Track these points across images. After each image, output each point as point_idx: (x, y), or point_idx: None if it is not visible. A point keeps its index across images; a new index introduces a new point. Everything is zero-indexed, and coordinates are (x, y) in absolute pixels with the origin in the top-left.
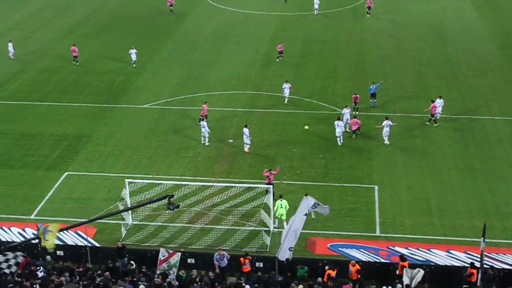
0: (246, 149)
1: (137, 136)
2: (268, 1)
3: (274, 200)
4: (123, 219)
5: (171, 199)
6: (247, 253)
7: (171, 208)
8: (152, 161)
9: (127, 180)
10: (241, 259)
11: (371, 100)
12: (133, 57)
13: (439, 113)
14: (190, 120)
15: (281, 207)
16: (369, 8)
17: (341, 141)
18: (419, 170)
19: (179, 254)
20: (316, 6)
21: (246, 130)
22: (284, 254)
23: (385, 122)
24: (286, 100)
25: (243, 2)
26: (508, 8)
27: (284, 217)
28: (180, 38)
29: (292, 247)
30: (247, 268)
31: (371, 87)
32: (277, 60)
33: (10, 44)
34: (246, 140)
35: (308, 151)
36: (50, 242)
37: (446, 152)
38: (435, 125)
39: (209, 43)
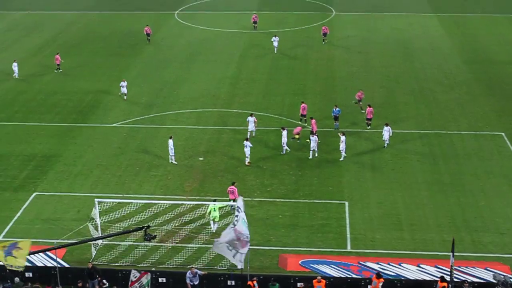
0: (173, 161)
1: (107, 155)
2: (237, 19)
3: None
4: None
5: (147, 230)
6: (253, 276)
7: (148, 239)
8: (122, 180)
9: (96, 200)
10: (249, 282)
11: (335, 123)
12: (123, 90)
13: (385, 140)
14: (159, 139)
15: (215, 211)
16: (324, 34)
17: (313, 156)
18: (389, 185)
19: (149, 274)
20: (275, 44)
21: (170, 142)
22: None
23: (342, 138)
24: (253, 133)
25: (212, 20)
26: (473, 25)
27: (217, 219)
28: (150, 56)
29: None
30: None
31: (334, 109)
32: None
33: None
34: (171, 151)
35: (278, 168)
36: (19, 260)
37: (415, 167)
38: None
39: (178, 61)
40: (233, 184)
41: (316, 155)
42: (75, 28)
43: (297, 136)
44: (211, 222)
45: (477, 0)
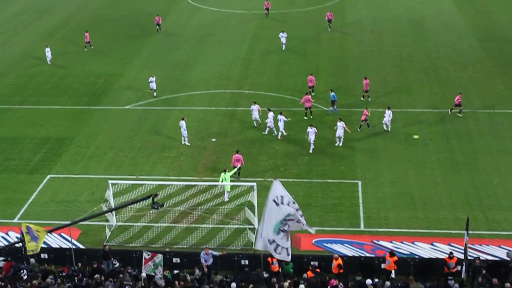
0: (186, 142)
1: (120, 137)
2: (248, 0)
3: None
4: (107, 221)
5: (155, 198)
6: (266, 256)
7: (155, 207)
8: (136, 161)
9: (110, 182)
10: (269, 258)
11: (330, 108)
12: (152, 85)
13: (387, 123)
14: (172, 120)
15: (225, 179)
16: (329, 21)
17: (340, 143)
18: (402, 165)
19: (160, 255)
20: (283, 40)
21: (183, 123)
22: (260, 244)
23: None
24: (259, 121)
25: (223, 2)
26: (487, 2)
27: (228, 189)
28: (161, 38)
29: (271, 242)
30: (275, 267)
31: (331, 94)
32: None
33: None
34: (184, 132)
35: (291, 148)
36: (36, 245)
37: (428, 145)
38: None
39: (190, 43)
40: (237, 152)
41: (313, 147)
42: (86, 11)
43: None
44: (226, 192)
45: None
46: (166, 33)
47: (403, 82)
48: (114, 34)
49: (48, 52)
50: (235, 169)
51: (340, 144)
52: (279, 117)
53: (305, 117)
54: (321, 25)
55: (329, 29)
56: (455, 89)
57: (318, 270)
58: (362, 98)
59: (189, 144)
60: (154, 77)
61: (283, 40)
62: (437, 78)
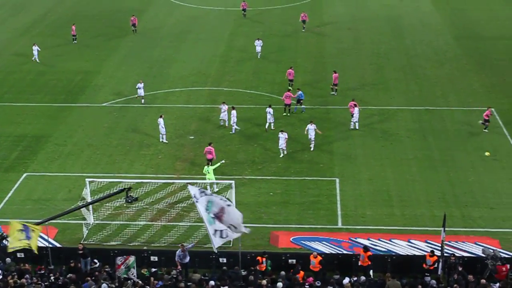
0: (164, 140)
1: (97, 135)
2: None
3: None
4: (84, 219)
5: (129, 192)
6: (265, 251)
7: (129, 200)
8: (113, 159)
9: (87, 180)
10: (258, 258)
11: (301, 107)
12: (140, 92)
13: (355, 121)
14: (150, 118)
15: (209, 173)
16: (304, 22)
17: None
18: (380, 162)
19: (133, 256)
20: (258, 49)
21: (161, 121)
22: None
23: (309, 126)
24: (226, 123)
25: None
26: (463, 1)
27: (211, 179)
28: (138, 35)
29: (213, 231)
30: (263, 266)
31: (298, 93)
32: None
33: None
34: (162, 130)
35: (269, 146)
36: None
37: (405, 143)
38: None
39: (168, 40)
40: (209, 144)
41: (285, 152)
42: (63, 8)
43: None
44: (208, 186)
45: None
46: (144, 30)
47: (380, 80)
48: (91, 30)
49: (35, 50)
50: (219, 163)
51: (312, 148)
52: (268, 109)
53: (284, 114)
54: (299, 23)
55: (303, 30)
56: (432, 87)
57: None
58: (332, 92)
59: (167, 142)
60: (142, 83)
61: (258, 49)
62: (414, 75)
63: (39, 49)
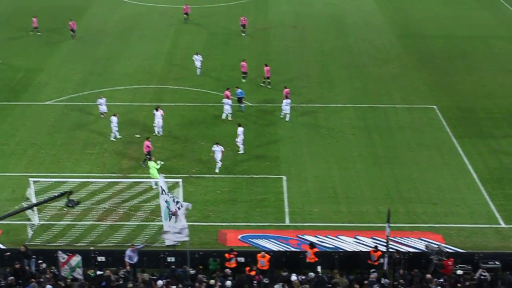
0: (113, 138)
1: (41, 133)
2: None
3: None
4: (28, 219)
5: (70, 196)
6: (232, 248)
7: (70, 205)
8: (57, 158)
9: (31, 179)
10: (226, 255)
11: (240, 105)
12: (102, 108)
13: (287, 113)
14: (94, 116)
15: (151, 168)
16: (243, 26)
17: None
18: (325, 159)
19: (78, 256)
20: (197, 64)
21: (114, 119)
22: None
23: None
24: (160, 132)
25: None
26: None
27: (155, 177)
28: (82, 32)
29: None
30: (232, 264)
31: (236, 91)
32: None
33: None
34: (114, 128)
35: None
36: None
37: (350, 140)
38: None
39: (112, 37)
40: (147, 139)
41: (220, 166)
42: (3, 4)
43: None
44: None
45: None
46: (87, 27)
47: (325, 77)
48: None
49: None
50: (160, 163)
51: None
52: (225, 100)
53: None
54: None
55: (243, 35)
56: (375, 84)
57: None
58: (262, 84)
59: (120, 137)
60: (104, 99)
61: (198, 64)
62: (358, 73)
63: None
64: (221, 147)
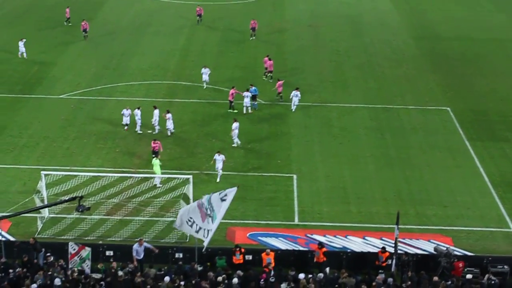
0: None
1: (54, 127)
2: None
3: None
4: (39, 212)
5: (81, 201)
6: (238, 245)
7: (81, 210)
8: (70, 152)
9: (43, 172)
10: (234, 249)
11: (253, 103)
12: (126, 120)
13: (295, 104)
14: (107, 111)
15: (155, 165)
16: (253, 29)
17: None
18: (337, 159)
19: (88, 248)
20: (205, 77)
21: (138, 112)
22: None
23: (234, 124)
24: (155, 129)
25: None
26: (422, 0)
27: (158, 173)
28: (98, 27)
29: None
30: (238, 260)
31: (250, 88)
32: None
33: None
34: (138, 121)
35: (228, 141)
36: None
37: (363, 140)
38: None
39: (127, 33)
40: (154, 140)
41: (221, 175)
42: None
43: None
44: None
45: None
46: (103, 21)
47: (339, 77)
48: (49, 22)
49: (21, 46)
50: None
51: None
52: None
53: (229, 110)
54: (259, 18)
55: (253, 38)
56: (389, 85)
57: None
58: (264, 78)
59: (141, 132)
60: (129, 110)
61: (205, 78)
62: (372, 74)
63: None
64: (222, 156)
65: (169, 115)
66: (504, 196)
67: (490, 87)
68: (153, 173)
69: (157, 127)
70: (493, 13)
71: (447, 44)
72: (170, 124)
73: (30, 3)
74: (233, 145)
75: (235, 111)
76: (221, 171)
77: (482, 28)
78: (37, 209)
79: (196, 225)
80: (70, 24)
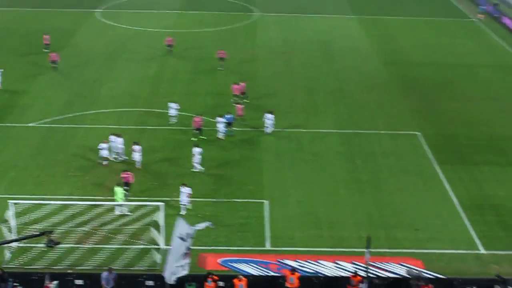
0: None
1: (24, 155)
2: (159, 18)
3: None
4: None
5: (50, 235)
6: (210, 272)
7: (51, 245)
8: (40, 181)
9: (11, 202)
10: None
11: (230, 129)
12: (102, 152)
13: (267, 126)
14: (78, 139)
15: (117, 194)
16: (221, 59)
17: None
18: (309, 184)
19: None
20: (172, 111)
21: (120, 140)
22: (169, 275)
23: (196, 150)
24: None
25: (134, 19)
26: (392, 27)
27: (120, 201)
28: (70, 54)
29: (178, 267)
30: (210, 287)
31: (228, 116)
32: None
33: None
34: (118, 148)
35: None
36: None
37: (334, 165)
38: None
39: (99, 60)
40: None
41: (185, 208)
42: None
43: None
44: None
45: (394, 2)
46: (75, 49)
47: (310, 103)
48: (20, 49)
49: None
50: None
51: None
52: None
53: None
54: (231, 45)
55: (221, 68)
56: (360, 111)
57: None
58: (238, 100)
59: (123, 158)
60: (107, 145)
61: (173, 112)
62: (344, 99)
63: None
64: (188, 189)
65: (137, 147)
66: (473, 218)
67: (460, 111)
68: (128, 198)
69: (120, 157)
70: (463, 40)
71: (417, 70)
72: (138, 157)
73: (0, 31)
74: (193, 170)
75: (204, 138)
76: (186, 204)
77: (452, 53)
78: (2, 244)
79: (188, 264)
80: (48, 51)
